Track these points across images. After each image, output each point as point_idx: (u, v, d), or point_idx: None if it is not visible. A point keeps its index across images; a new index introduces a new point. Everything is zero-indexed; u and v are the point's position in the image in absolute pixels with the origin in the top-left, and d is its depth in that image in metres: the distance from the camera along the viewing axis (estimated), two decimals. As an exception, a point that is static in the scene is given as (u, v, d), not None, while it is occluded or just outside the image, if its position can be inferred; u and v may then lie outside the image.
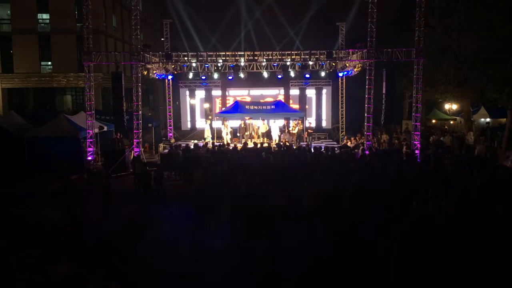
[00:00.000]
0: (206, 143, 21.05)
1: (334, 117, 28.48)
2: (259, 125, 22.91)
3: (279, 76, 22.97)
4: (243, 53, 22.00)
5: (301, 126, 23.07)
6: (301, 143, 21.92)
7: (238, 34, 35.50)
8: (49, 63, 31.70)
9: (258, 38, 34.77)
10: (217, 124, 23.92)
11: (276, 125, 23.38)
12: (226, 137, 22.43)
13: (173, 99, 27.80)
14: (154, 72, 23.02)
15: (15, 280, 7.14)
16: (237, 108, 23.57)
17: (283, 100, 25.97)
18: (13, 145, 18.60)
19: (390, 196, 10.69)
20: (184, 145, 19.36)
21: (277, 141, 21.64)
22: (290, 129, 22.82)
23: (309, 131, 23.38)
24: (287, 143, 19.73)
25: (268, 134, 23.21)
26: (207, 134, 23.28)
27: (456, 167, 14.39)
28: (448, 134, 23.51)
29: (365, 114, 19.82)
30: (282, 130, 23.29)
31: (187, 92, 28.21)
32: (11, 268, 7.28)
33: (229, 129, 22.82)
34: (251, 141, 21.61)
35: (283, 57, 21.94)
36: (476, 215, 9.58)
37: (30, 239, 9.69)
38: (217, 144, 19.54)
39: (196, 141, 23.37)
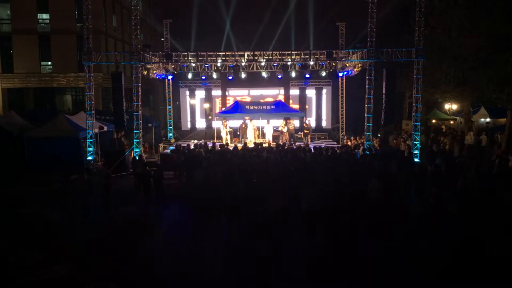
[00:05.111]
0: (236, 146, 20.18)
1: (334, 117, 28.46)
2: (258, 125, 22.89)
3: (279, 76, 22.95)
4: (243, 53, 22.00)
5: (292, 126, 22.90)
6: (301, 143, 21.91)
7: (238, 34, 35.45)
8: (49, 63, 31.71)
9: (258, 38, 34.73)
10: (217, 124, 23.84)
11: (270, 125, 23.37)
12: (226, 137, 22.40)
13: (173, 99, 27.79)
14: (154, 72, 23.01)
15: (14, 280, 7.14)
16: (237, 108, 23.57)
17: (283, 100, 25.96)
18: (13, 145, 18.62)
19: (389, 196, 10.68)
20: (186, 145, 19.35)
21: (270, 141, 21.63)
22: (279, 128, 22.78)
23: (305, 131, 23.28)
24: (286, 142, 19.70)
25: (262, 134, 23.19)
26: (225, 135, 22.45)
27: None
28: (448, 136, 23.47)
29: (365, 114, 19.82)
30: (277, 130, 23.27)
31: (187, 92, 28.20)
32: (10, 268, 7.28)
33: (229, 129, 22.79)
34: (250, 141, 21.59)
35: (283, 57, 21.92)
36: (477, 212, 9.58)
37: (30, 239, 9.68)
38: (217, 144, 19.53)
39: (196, 141, 23.35)
